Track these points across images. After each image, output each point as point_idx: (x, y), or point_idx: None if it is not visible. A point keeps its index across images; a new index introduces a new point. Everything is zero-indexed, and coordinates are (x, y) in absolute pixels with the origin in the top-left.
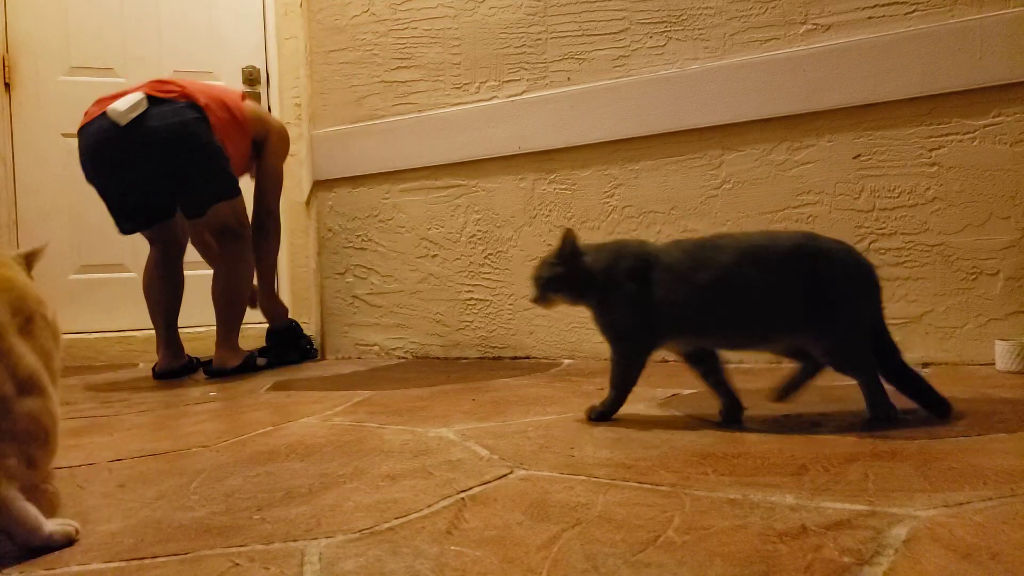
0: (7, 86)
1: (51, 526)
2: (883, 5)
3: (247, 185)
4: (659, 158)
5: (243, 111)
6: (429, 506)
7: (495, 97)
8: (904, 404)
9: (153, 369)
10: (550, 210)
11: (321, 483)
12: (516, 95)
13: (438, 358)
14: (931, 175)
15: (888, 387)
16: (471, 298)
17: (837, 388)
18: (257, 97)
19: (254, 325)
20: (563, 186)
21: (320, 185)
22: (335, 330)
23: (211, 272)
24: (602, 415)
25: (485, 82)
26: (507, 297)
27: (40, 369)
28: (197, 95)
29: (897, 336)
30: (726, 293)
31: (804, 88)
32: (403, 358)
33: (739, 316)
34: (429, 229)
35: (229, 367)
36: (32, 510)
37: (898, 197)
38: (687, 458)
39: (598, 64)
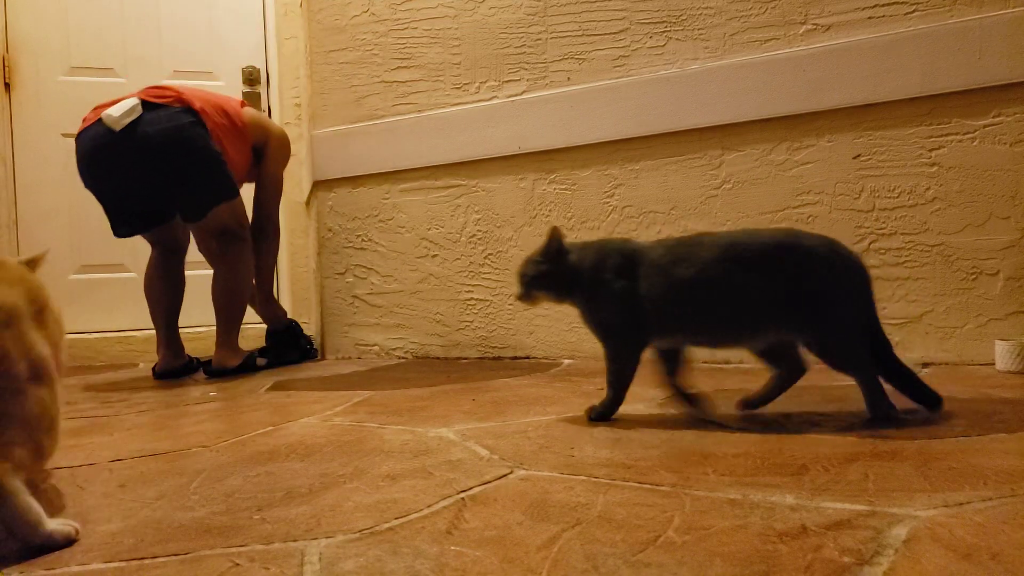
0: (7, 86)
1: (52, 525)
2: (883, 5)
3: (247, 191)
4: (659, 158)
5: (242, 117)
6: (429, 506)
7: (495, 97)
8: (904, 404)
9: (153, 369)
10: (550, 210)
11: (321, 483)
12: (516, 95)
13: (438, 358)
14: (931, 175)
15: (888, 387)
16: (471, 298)
17: (837, 388)
18: (257, 97)
19: (254, 325)
20: (563, 186)
21: (320, 185)
22: (335, 330)
23: (211, 272)
24: (602, 415)
25: (485, 82)
26: (507, 297)
27: (50, 358)
28: (193, 100)
29: (897, 336)
30: (707, 289)
31: (804, 88)
32: (403, 358)
33: (720, 312)
34: (429, 229)
35: (229, 367)
36: (35, 506)
37: (898, 197)
38: (687, 458)
39: (598, 64)
